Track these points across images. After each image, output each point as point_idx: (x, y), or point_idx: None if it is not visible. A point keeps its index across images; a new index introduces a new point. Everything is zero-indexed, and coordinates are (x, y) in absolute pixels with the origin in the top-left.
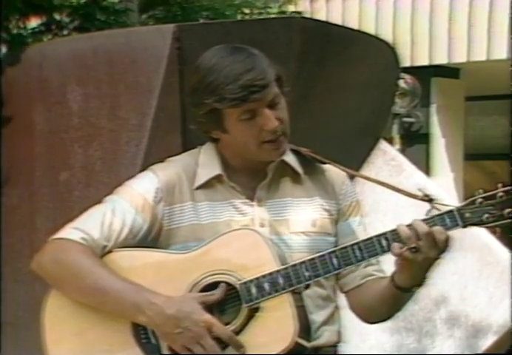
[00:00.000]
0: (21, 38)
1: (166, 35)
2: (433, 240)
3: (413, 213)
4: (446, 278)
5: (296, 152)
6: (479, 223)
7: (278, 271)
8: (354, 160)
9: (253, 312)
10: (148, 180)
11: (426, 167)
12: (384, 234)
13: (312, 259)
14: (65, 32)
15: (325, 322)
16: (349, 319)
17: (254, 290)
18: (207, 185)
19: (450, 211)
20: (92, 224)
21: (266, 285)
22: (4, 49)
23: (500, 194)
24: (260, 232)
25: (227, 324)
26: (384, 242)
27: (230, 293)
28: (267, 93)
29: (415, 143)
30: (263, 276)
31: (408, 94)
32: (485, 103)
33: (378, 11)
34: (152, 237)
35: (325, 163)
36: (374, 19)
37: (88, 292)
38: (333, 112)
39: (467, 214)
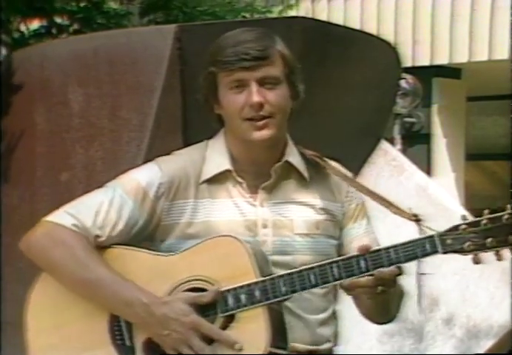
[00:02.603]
0: (22, 40)
1: (167, 35)
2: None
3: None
4: (447, 278)
5: (302, 154)
6: (459, 251)
7: (256, 283)
8: (355, 161)
9: (228, 322)
10: (152, 173)
11: (427, 167)
12: (363, 255)
13: (290, 273)
14: (65, 35)
15: (322, 324)
16: (350, 319)
17: (230, 300)
18: (213, 180)
19: (431, 237)
20: (86, 212)
21: (243, 297)
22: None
23: (484, 221)
24: (243, 241)
25: None
26: (362, 263)
27: None
28: (259, 66)
29: (416, 143)
30: (241, 286)
31: (409, 94)
32: (486, 104)
33: (379, 11)
34: (148, 232)
35: (327, 168)
36: (375, 19)
37: (80, 283)
38: (334, 112)
39: (448, 241)
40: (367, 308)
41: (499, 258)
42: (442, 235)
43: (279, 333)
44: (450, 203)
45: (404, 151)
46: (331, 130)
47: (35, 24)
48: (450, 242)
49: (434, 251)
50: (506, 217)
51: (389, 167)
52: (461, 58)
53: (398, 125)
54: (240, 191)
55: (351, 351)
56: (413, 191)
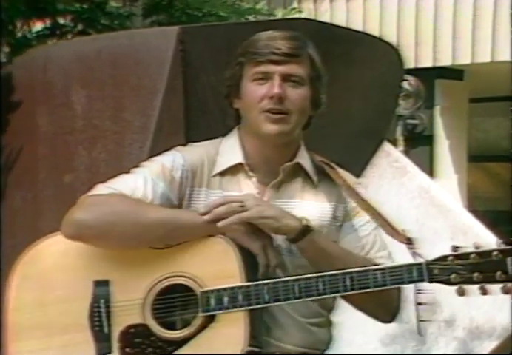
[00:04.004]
0: (25, 41)
1: (170, 36)
2: None
3: (416, 215)
4: None
5: (313, 160)
6: (445, 282)
7: (240, 288)
8: (358, 162)
9: (208, 322)
10: (176, 159)
11: (430, 169)
12: (350, 273)
13: (276, 282)
14: (69, 36)
15: (318, 327)
16: (353, 321)
17: (212, 301)
18: (225, 173)
19: (419, 264)
20: (124, 187)
21: (225, 299)
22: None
23: (473, 255)
24: (233, 243)
25: (182, 328)
26: (348, 281)
27: (191, 298)
28: (286, 61)
29: (419, 144)
30: (224, 289)
31: (411, 96)
32: (489, 105)
33: (382, 12)
34: None
35: (332, 176)
36: (377, 20)
37: (141, 228)
38: (336, 114)
39: (435, 271)
40: (366, 304)
41: (484, 292)
42: (430, 264)
43: (256, 334)
44: (452, 205)
45: (406, 152)
46: (334, 132)
47: (38, 26)
48: (437, 272)
49: (421, 280)
50: (495, 253)
51: (392, 169)
52: (463, 59)
53: (400, 126)
54: (249, 186)
55: (354, 352)
56: (415, 192)
